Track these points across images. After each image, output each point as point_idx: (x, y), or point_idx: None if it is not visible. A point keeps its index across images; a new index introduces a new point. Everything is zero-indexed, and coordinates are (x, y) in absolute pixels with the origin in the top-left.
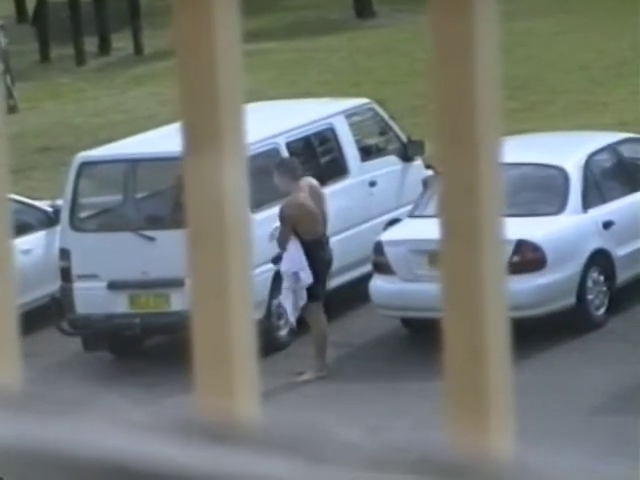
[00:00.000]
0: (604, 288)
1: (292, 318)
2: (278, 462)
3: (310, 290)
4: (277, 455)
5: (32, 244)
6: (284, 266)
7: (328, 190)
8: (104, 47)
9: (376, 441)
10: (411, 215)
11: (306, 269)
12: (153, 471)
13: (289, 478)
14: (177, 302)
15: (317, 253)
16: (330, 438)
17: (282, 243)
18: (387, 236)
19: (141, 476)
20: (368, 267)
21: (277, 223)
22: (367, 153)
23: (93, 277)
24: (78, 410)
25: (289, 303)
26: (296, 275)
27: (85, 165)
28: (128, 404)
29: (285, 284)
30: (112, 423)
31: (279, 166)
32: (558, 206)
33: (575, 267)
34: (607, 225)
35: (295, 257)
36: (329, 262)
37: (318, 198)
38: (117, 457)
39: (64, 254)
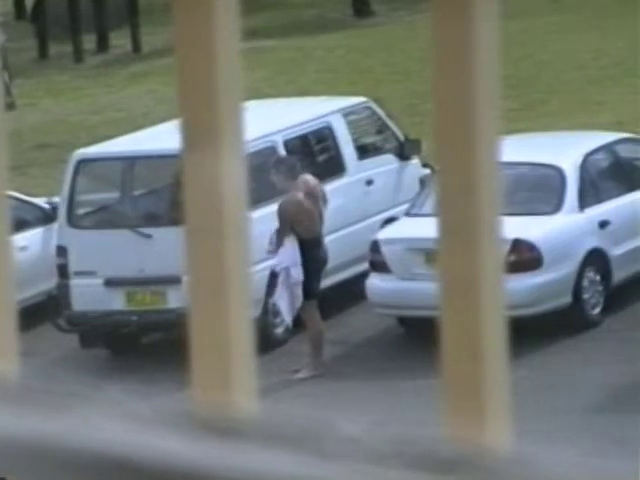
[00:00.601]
0: (600, 287)
1: (288, 318)
2: (280, 456)
3: (305, 288)
4: (279, 449)
5: (29, 241)
6: (277, 260)
7: (325, 188)
8: (102, 44)
9: (378, 436)
10: (408, 214)
11: (298, 266)
12: (154, 464)
13: (291, 472)
14: (174, 299)
15: (313, 251)
16: (332, 433)
17: (280, 241)
18: (384, 234)
19: (142, 469)
20: (364, 265)
21: (275, 225)
22: (364, 152)
23: (90, 274)
24: (79, 404)
25: (284, 302)
26: (287, 271)
27: (83, 162)
28: (128, 398)
29: (279, 279)
30: (113, 417)
31: (276, 164)
32: (554, 205)
33: (571, 266)
34: (603, 225)
35: (289, 253)
36: (324, 261)
37: (315, 196)
38: (118, 450)
39: (61, 251)
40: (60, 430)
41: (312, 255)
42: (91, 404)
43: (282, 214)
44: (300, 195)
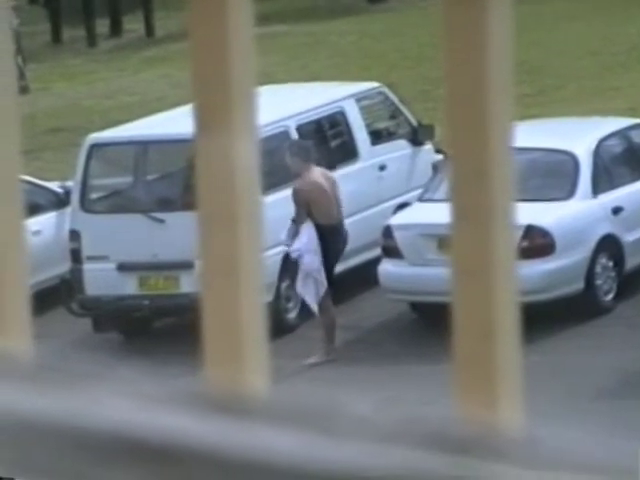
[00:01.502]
0: (613, 273)
1: (314, 305)
2: (289, 435)
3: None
4: (288, 428)
5: (42, 225)
6: (295, 248)
7: (338, 174)
8: (116, 29)
9: (387, 415)
10: (421, 199)
11: (311, 253)
12: (165, 443)
13: (300, 451)
14: (186, 284)
15: (331, 238)
16: (341, 411)
17: (297, 226)
18: (396, 220)
19: (153, 448)
20: (377, 251)
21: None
22: (377, 137)
23: (103, 258)
24: (90, 383)
25: (309, 290)
26: (301, 259)
27: (96, 147)
28: (140, 377)
29: (300, 267)
30: (124, 396)
31: (292, 147)
32: (568, 191)
33: (584, 252)
34: (616, 211)
35: (304, 240)
36: (342, 249)
37: (331, 184)
38: (128, 429)
39: (74, 235)
40: (72, 409)
41: (329, 242)
42: (103, 383)
43: (298, 196)
44: (315, 177)
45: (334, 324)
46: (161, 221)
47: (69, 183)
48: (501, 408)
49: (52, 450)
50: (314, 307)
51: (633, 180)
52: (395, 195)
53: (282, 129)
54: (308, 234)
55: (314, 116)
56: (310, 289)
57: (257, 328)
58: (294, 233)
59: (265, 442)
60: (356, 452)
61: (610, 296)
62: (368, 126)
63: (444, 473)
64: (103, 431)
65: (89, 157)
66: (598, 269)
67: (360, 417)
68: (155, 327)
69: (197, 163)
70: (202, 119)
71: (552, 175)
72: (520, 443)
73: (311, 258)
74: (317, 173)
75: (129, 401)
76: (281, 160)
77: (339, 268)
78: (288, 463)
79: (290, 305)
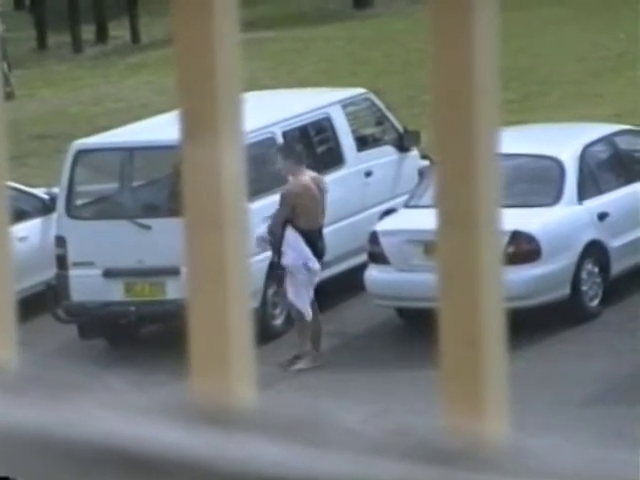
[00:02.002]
0: (598, 279)
1: (309, 310)
2: (277, 446)
3: None
4: (276, 439)
5: (28, 231)
6: (291, 260)
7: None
8: (101, 35)
9: (375, 426)
10: (407, 205)
11: (312, 257)
12: (152, 455)
13: (288, 462)
14: (172, 290)
15: (315, 243)
16: (329, 423)
17: (274, 226)
18: (382, 226)
19: (139, 460)
20: (363, 257)
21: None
22: (363, 143)
23: (89, 265)
24: (76, 394)
25: (302, 297)
26: (306, 266)
27: (81, 153)
28: (126, 388)
29: (298, 279)
30: (109, 406)
31: (283, 150)
32: (553, 197)
33: (570, 258)
34: (602, 216)
35: (297, 248)
36: (322, 255)
37: (321, 190)
38: (114, 441)
39: (60, 241)
40: (58, 420)
41: (314, 247)
42: (89, 394)
43: (286, 199)
44: (307, 180)
45: (320, 329)
46: (147, 227)
47: (55, 189)
48: (487, 416)
49: (38, 461)
50: (308, 313)
51: (619, 186)
52: (381, 201)
53: (268, 135)
54: (298, 242)
55: (300, 122)
56: (306, 295)
57: (244, 335)
58: (274, 228)
59: (252, 453)
60: (343, 463)
61: (596, 302)
62: (354, 132)
63: None
64: (89, 443)
65: (75, 163)
66: (584, 275)
67: (347, 428)
68: (141, 333)
69: (183, 170)
70: (188, 126)
71: (538, 181)
72: (507, 453)
73: (314, 262)
74: (308, 177)
75: (116, 412)
76: (267, 167)
77: (325, 274)
78: (275, 474)
79: (276, 312)
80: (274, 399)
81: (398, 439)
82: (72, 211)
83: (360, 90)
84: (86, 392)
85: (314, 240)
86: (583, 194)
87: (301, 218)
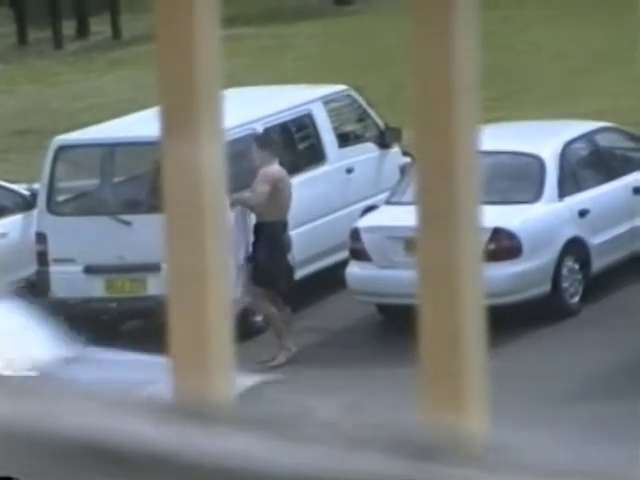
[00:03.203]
0: (579, 276)
1: (271, 307)
2: (256, 440)
3: (259, 274)
4: (255, 433)
5: (8, 227)
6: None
7: (305, 176)
8: (82, 31)
9: (353, 421)
10: (388, 202)
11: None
12: (131, 449)
13: (266, 456)
14: (153, 286)
15: (280, 235)
16: (306, 417)
17: (254, 199)
18: (364, 223)
19: (115, 453)
20: (344, 253)
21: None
22: (344, 140)
23: (69, 261)
24: (50, 387)
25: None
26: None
27: (62, 149)
28: (102, 383)
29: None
30: (84, 400)
31: (260, 139)
32: (534, 194)
33: (550, 255)
34: (583, 213)
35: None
36: (289, 248)
37: (288, 182)
38: (88, 434)
39: (40, 238)
40: (31, 413)
41: (279, 239)
42: (64, 388)
43: (267, 176)
44: (281, 169)
45: (279, 319)
46: (128, 223)
47: (36, 185)
48: (467, 412)
49: (17, 455)
50: (271, 309)
51: (599, 183)
52: (362, 198)
53: (249, 132)
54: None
55: (281, 119)
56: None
57: (224, 330)
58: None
59: (232, 448)
60: (321, 457)
61: (576, 298)
62: (335, 129)
63: (410, 478)
64: (68, 437)
65: (56, 159)
66: (564, 271)
67: (325, 423)
68: (122, 330)
69: (163, 165)
70: (168, 122)
71: (518, 178)
72: (485, 448)
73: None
74: (280, 167)
75: (89, 406)
76: (247, 163)
77: (306, 271)
78: (254, 468)
79: None
80: (253, 395)
81: (376, 434)
82: (53, 207)
83: (341, 87)
84: (64, 387)
85: (280, 231)
86: (564, 191)
87: (273, 208)
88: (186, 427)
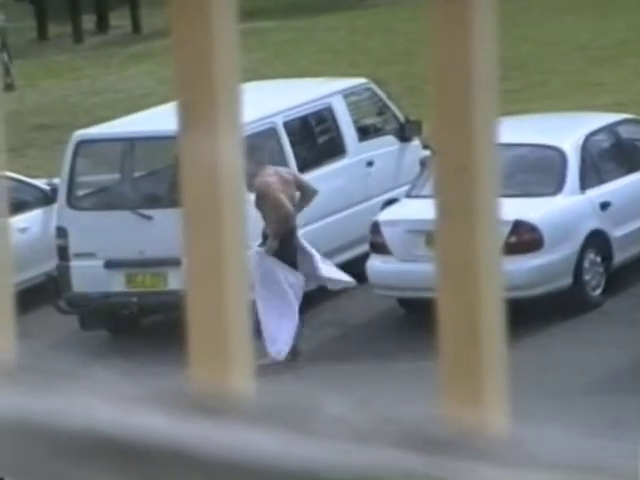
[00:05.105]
0: (601, 269)
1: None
2: (267, 435)
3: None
4: (265, 427)
5: (29, 222)
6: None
7: (325, 170)
8: (102, 25)
9: (364, 415)
10: (408, 195)
11: None
12: (145, 444)
13: (277, 451)
14: (174, 281)
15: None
16: (318, 411)
17: (282, 213)
18: (384, 216)
19: (133, 449)
20: (365, 247)
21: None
22: (365, 133)
23: (90, 255)
24: (68, 382)
25: None
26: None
27: (82, 143)
28: (121, 377)
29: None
30: (101, 395)
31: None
32: (555, 187)
33: (572, 248)
34: (604, 206)
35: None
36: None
37: (288, 183)
38: (108, 430)
39: (61, 232)
40: (47, 409)
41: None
42: (82, 383)
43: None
44: (271, 179)
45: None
46: (148, 218)
47: (56, 180)
48: (486, 405)
49: (30, 450)
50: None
51: (620, 175)
52: (383, 191)
53: (269, 125)
54: None
55: (301, 112)
56: None
57: (242, 325)
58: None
59: (244, 442)
60: (335, 451)
61: (598, 291)
62: (355, 122)
63: (422, 473)
64: (82, 432)
65: (76, 154)
66: (586, 264)
67: (339, 417)
68: (142, 324)
69: (181, 161)
70: (186, 116)
71: (540, 170)
72: (501, 442)
73: None
74: (273, 175)
75: (109, 402)
76: (268, 157)
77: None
78: (267, 463)
79: None
80: (266, 388)
81: (390, 427)
82: (73, 202)
83: (361, 80)
84: (78, 381)
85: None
86: (585, 183)
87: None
88: (201, 421)
